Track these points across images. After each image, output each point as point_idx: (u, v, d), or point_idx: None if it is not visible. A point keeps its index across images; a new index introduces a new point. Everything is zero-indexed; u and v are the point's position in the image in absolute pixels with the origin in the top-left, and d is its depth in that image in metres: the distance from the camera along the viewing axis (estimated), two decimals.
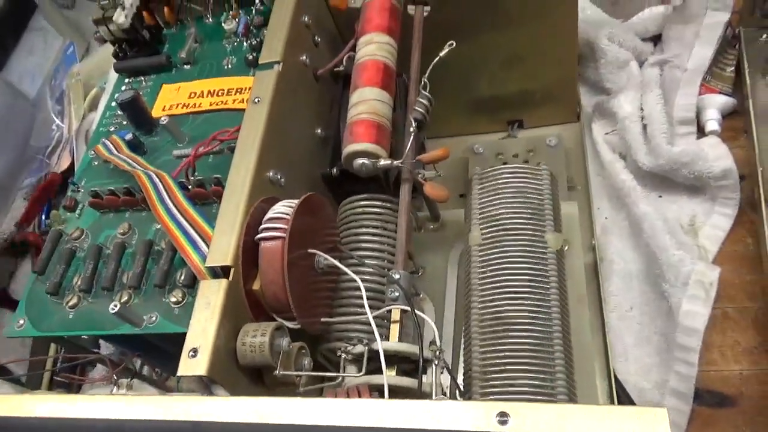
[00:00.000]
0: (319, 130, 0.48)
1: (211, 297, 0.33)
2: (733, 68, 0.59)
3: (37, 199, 0.71)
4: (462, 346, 0.38)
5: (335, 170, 0.48)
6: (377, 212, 0.43)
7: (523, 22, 0.52)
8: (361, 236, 0.42)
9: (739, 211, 0.52)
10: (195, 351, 0.31)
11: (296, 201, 0.37)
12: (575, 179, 0.57)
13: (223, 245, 0.35)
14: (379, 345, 0.32)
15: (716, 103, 0.57)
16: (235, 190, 0.37)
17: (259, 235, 0.35)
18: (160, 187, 0.42)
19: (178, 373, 0.31)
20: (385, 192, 0.46)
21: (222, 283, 0.33)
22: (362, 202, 0.43)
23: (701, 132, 0.57)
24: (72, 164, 0.72)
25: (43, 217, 0.73)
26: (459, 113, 0.62)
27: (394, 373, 0.33)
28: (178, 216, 0.39)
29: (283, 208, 0.36)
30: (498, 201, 0.40)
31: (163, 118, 0.49)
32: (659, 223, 0.50)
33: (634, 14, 0.64)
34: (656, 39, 0.64)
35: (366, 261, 0.41)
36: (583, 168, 0.57)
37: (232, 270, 0.34)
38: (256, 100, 0.41)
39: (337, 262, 0.36)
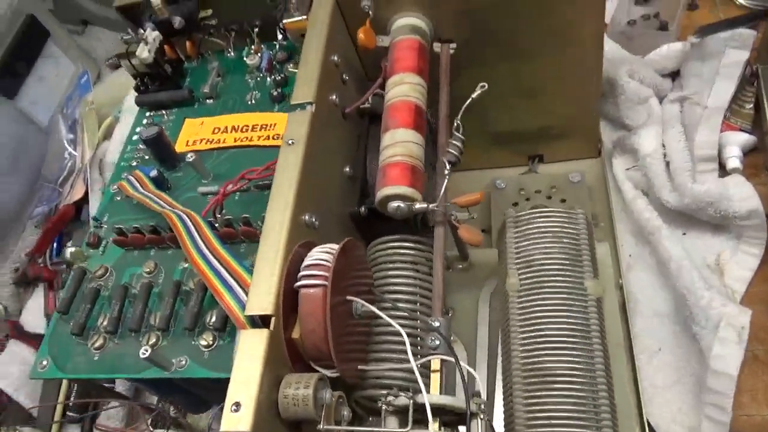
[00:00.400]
0: (347, 169, 0.48)
1: (253, 348, 0.32)
2: (752, 105, 0.59)
3: (49, 231, 0.70)
4: (502, 396, 0.38)
5: (363, 209, 0.48)
6: (409, 254, 0.43)
7: (547, 55, 0.52)
8: (392, 279, 0.42)
9: (766, 250, 0.51)
10: (238, 405, 0.30)
11: (334, 246, 0.37)
12: (598, 216, 0.57)
13: (262, 293, 0.34)
14: (426, 398, 0.31)
15: (737, 141, 0.57)
16: (272, 234, 0.36)
17: (299, 283, 0.35)
18: (192, 228, 0.42)
19: (222, 429, 0.30)
20: (413, 232, 0.46)
21: (263, 334, 0.33)
22: (393, 243, 0.43)
23: (722, 169, 0.57)
24: (86, 194, 0.71)
25: (55, 247, 0.72)
26: (478, 146, 0.62)
27: (436, 426, 0.33)
28: (212, 260, 0.39)
29: (323, 254, 0.36)
30: (535, 246, 0.39)
31: (189, 155, 0.49)
32: (686, 263, 0.50)
33: (649, 51, 0.65)
34: (674, 75, 0.64)
35: (399, 305, 0.40)
36: (606, 204, 0.57)
37: (273, 319, 0.34)
38: (290, 142, 0.40)
39: (377, 311, 0.35)
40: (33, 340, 0.65)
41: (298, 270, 0.36)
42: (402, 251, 0.42)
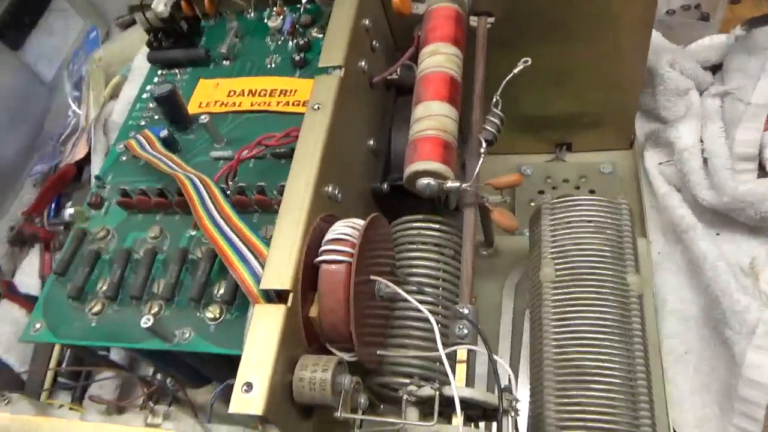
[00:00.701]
0: (371, 142, 0.45)
1: (268, 325, 0.30)
2: None
3: (48, 190, 0.67)
4: (527, 390, 0.35)
5: (386, 185, 0.45)
6: (434, 236, 0.40)
7: (589, 38, 0.49)
8: (416, 261, 0.39)
9: None
10: (249, 386, 0.28)
11: (359, 221, 0.34)
12: None
13: (281, 267, 0.31)
14: (455, 391, 0.28)
15: None
16: (293, 205, 0.33)
17: (321, 258, 0.32)
18: (204, 193, 0.39)
19: (230, 410, 0.28)
20: (435, 212, 0.43)
21: (280, 310, 0.30)
22: (418, 224, 0.40)
23: (761, 170, 0.54)
24: (88, 154, 0.68)
25: (53, 207, 0.69)
26: (504, 130, 0.59)
27: (462, 421, 0.30)
28: (225, 227, 0.36)
29: (347, 228, 0.33)
30: (575, 236, 0.37)
31: (203, 117, 0.46)
32: (721, 265, 0.47)
33: (688, 43, 0.62)
34: (714, 69, 0.61)
35: (425, 289, 0.37)
36: (637, 199, 0.54)
37: (291, 295, 0.31)
38: (316, 106, 0.37)
39: (403, 293, 0.33)
40: (26, 301, 0.62)
41: (318, 245, 0.33)
42: (427, 232, 0.39)
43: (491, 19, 0.48)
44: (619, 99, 0.55)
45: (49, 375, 0.57)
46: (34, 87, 0.76)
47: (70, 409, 0.49)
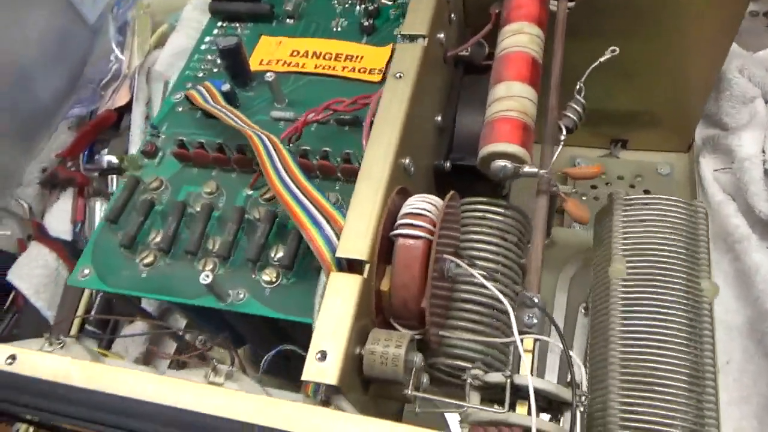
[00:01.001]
0: (438, 118, 0.43)
1: (345, 294, 0.29)
2: None
3: (86, 134, 0.66)
4: (585, 386, 0.34)
5: (448, 164, 0.44)
6: (500, 220, 0.39)
7: (669, 35, 0.48)
8: (480, 245, 0.38)
9: None
10: (324, 355, 0.27)
11: (435, 198, 0.33)
12: None
13: (358, 236, 0.30)
14: (530, 381, 0.28)
15: None
16: (372, 174, 0.32)
17: (398, 232, 0.31)
18: (273, 153, 0.38)
19: (303, 377, 0.27)
20: (497, 196, 0.42)
21: (357, 280, 0.29)
22: (483, 206, 0.39)
23: None
24: (130, 102, 0.67)
25: (86, 153, 0.68)
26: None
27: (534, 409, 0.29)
28: (297, 191, 0.35)
29: (425, 204, 0.32)
30: (650, 235, 0.36)
31: (268, 75, 0.44)
32: None
33: (756, 50, 0.60)
34: None
35: (495, 275, 0.37)
36: None
37: (368, 267, 0.30)
38: (399, 75, 0.36)
39: (478, 276, 0.32)
40: (56, 244, 0.61)
41: (393, 218, 0.32)
42: (494, 216, 0.38)
43: (571, 4, 0.46)
44: (685, 100, 0.54)
45: (77, 322, 0.57)
46: (76, 28, 0.74)
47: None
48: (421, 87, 0.37)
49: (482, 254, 0.38)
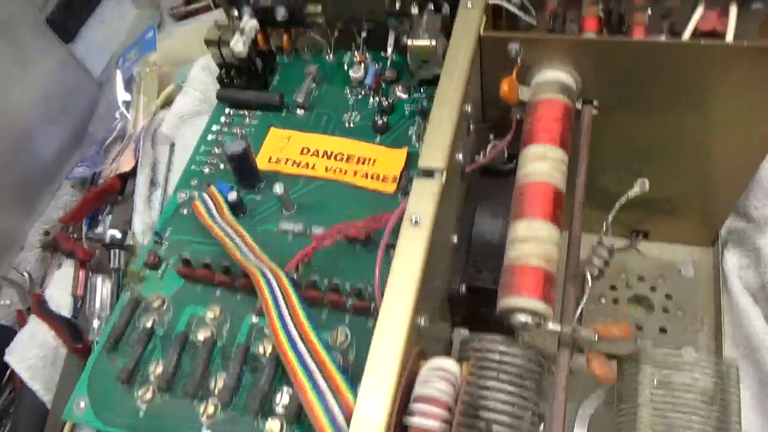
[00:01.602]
0: (454, 239, 0.41)
1: None
2: None
3: (89, 201, 0.64)
4: None
5: (463, 288, 0.42)
6: (517, 363, 0.36)
7: (705, 134, 0.44)
8: (492, 391, 0.36)
9: None
10: None
11: (450, 368, 0.31)
12: (703, 317, 0.51)
13: (367, 424, 0.28)
14: None
15: None
16: (384, 345, 0.30)
17: (412, 421, 0.29)
18: (277, 291, 0.35)
19: None
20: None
21: None
22: (503, 347, 0.37)
23: None
24: (135, 168, 0.65)
25: (89, 219, 0.66)
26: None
27: None
28: (300, 346, 0.32)
29: (441, 383, 0.30)
30: (679, 403, 0.33)
31: (277, 187, 0.42)
32: None
33: None
34: None
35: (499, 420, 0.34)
36: (712, 303, 0.51)
37: None
38: (415, 220, 0.34)
39: None
40: (56, 322, 0.59)
41: (409, 389, 0.30)
42: (508, 358, 0.36)
43: (596, 105, 0.44)
44: (714, 193, 0.50)
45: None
46: (81, 81, 0.72)
47: None
48: (437, 225, 0.35)
49: (496, 404, 0.35)
